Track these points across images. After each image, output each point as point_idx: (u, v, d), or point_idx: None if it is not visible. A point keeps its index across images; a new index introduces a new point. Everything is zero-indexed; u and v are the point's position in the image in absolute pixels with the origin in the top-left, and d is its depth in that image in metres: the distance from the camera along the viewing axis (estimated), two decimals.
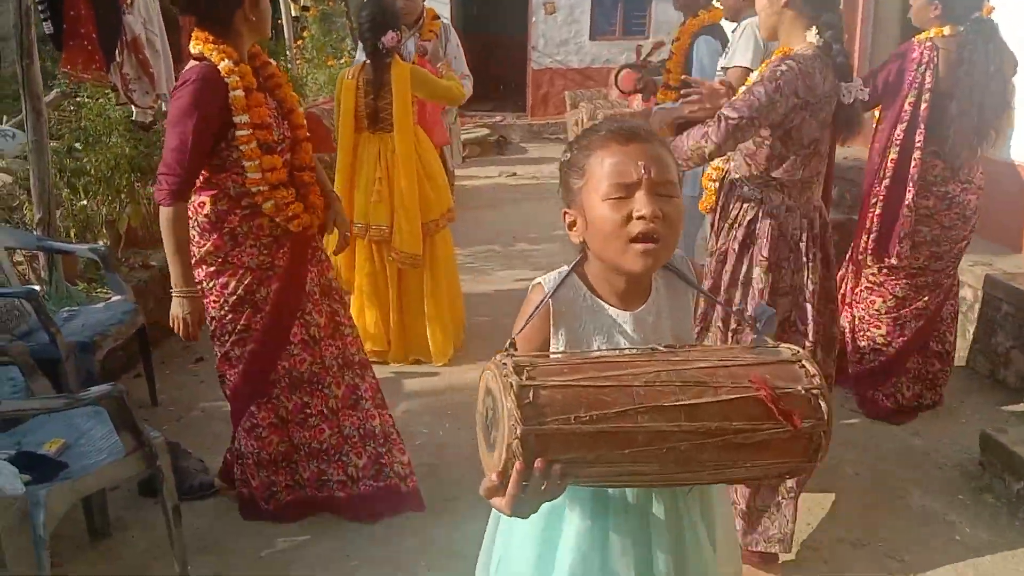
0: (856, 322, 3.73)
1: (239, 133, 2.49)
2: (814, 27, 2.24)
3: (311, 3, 8.37)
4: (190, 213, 2.58)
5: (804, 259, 2.42)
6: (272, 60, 2.74)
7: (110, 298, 3.66)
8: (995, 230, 4.45)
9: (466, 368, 4.14)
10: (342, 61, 8.10)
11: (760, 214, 2.45)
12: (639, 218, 1.35)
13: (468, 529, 2.84)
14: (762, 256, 2.44)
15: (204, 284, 2.62)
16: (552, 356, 1.33)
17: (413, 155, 3.99)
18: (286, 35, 7.72)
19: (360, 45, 4.43)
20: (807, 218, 2.42)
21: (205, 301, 2.62)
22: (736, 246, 2.51)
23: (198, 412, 3.68)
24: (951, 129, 3.30)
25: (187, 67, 2.49)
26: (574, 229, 1.48)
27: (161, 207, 2.48)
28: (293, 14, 8.10)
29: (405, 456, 2.92)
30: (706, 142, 2.27)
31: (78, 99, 4.52)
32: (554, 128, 12.12)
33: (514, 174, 9.38)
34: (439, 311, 4.20)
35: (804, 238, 2.41)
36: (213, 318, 2.65)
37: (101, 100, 4.44)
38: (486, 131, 11.16)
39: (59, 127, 4.56)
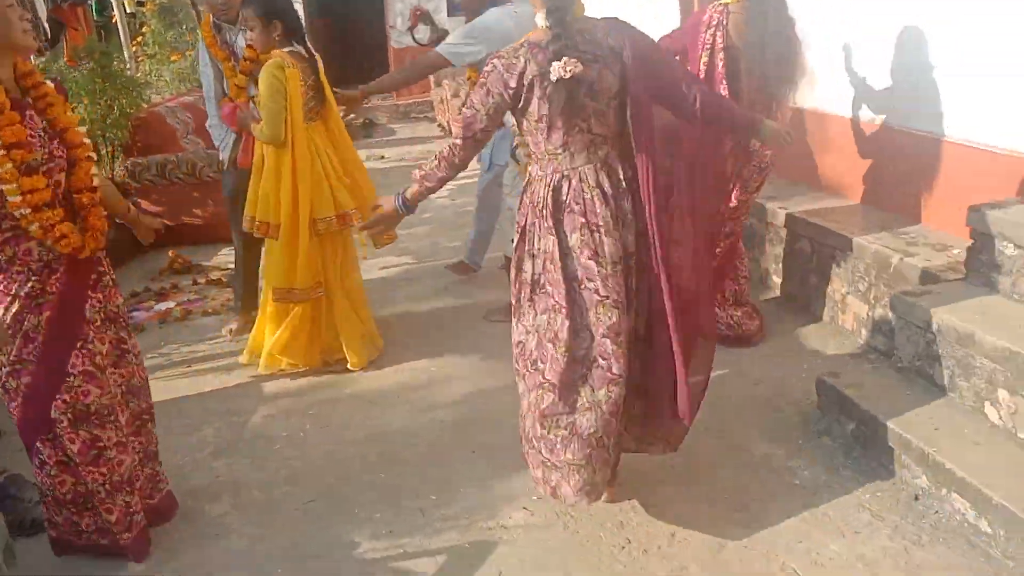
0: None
1: None
2: (542, 12, 2.43)
3: None
4: None
5: (546, 224, 2.54)
6: (47, 80, 2.58)
7: None
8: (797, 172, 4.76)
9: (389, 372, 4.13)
10: (189, 55, 7.79)
11: (526, 182, 2.68)
12: None
13: (329, 534, 2.86)
14: (518, 222, 2.66)
15: None
16: None
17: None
18: (121, 33, 7.35)
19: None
20: (552, 187, 2.53)
21: None
22: (520, 217, 2.70)
23: None
24: (741, 84, 3.63)
25: None
26: None
27: None
28: (128, 10, 7.72)
29: (162, 467, 2.99)
30: (444, 170, 2.58)
31: None
32: (421, 107, 12.07)
33: (383, 157, 9.31)
34: (358, 310, 4.10)
35: (548, 205, 2.53)
36: None
37: None
38: (352, 115, 10.99)
39: None
